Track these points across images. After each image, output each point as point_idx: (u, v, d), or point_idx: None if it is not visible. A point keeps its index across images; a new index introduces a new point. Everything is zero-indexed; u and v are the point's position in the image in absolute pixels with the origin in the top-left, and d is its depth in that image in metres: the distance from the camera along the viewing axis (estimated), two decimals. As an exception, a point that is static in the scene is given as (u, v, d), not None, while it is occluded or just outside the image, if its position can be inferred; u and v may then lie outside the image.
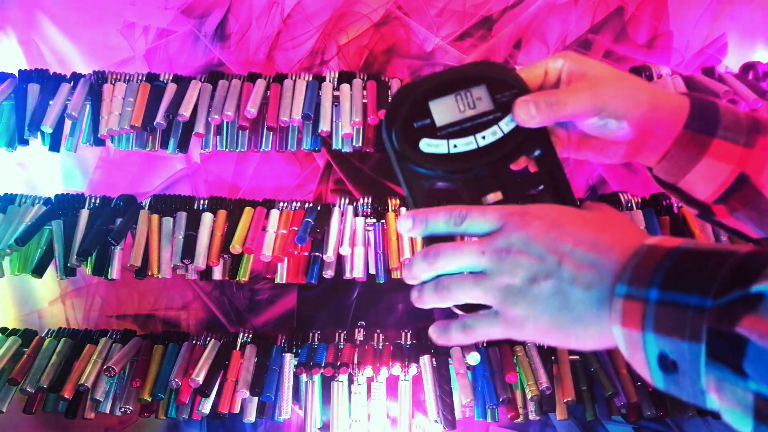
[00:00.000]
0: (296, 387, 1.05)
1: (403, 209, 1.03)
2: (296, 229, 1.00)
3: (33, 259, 1.00)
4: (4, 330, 1.10)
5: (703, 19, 1.15)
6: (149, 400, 1.01)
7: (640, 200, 1.04)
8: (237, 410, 1.02)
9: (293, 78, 1.03)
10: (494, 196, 0.45)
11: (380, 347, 1.08)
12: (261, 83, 1.02)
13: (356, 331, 1.12)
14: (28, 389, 0.99)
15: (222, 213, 1.03)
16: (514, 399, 1.01)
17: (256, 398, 1.02)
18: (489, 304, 0.40)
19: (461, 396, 0.98)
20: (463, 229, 0.41)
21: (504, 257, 0.39)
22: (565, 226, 0.39)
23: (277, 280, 1.01)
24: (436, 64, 1.16)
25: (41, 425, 1.18)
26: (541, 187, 0.46)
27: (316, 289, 1.18)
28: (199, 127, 0.98)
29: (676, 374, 0.33)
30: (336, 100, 1.01)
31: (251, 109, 0.98)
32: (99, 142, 1.00)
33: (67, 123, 1.01)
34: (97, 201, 1.05)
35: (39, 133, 1.00)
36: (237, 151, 1.02)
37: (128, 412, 1.02)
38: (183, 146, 1.00)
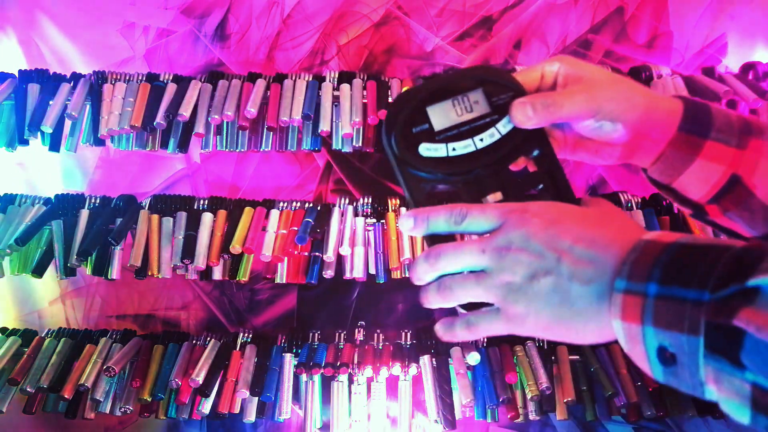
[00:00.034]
0: (296, 387, 1.05)
1: (403, 209, 1.03)
2: (296, 229, 1.00)
3: (33, 259, 1.00)
4: (4, 330, 1.10)
5: (703, 19, 1.15)
6: (149, 400, 1.01)
7: (640, 200, 1.04)
8: (237, 410, 1.02)
9: (293, 78, 1.03)
10: (494, 197, 0.45)
11: (380, 347, 1.08)
12: (261, 83, 1.02)
13: (356, 331, 1.12)
14: (28, 389, 0.99)
15: (222, 213, 1.03)
16: (514, 399, 1.01)
17: (256, 398, 1.02)
18: (491, 302, 0.41)
19: (461, 396, 0.98)
20: (463, 227, 0.42)
21: (504, 255, 0.39)
22: (564, 222, 0.39)
23: (277, 280, 1.01)
24: (436, 64, 1.16)
25: (41, 425, 1.18)
26: (541, 186, 0.46)
27: (316, 289, 1.18)
28: (199, 127, 0.99)
29: (675, 367, 0.33)
30: (336, 100, 1.01)
31: (251, 109, 0.98)
32: (99, 142, 1.00)
33: (67, 123, 1.01)
34: (97, 201, 1.05)
35: (39, 133, 1.00)
36: (237, 151, 1.02)
37: (128, 412, 1.02)
38: (183, 146, 1.00)
